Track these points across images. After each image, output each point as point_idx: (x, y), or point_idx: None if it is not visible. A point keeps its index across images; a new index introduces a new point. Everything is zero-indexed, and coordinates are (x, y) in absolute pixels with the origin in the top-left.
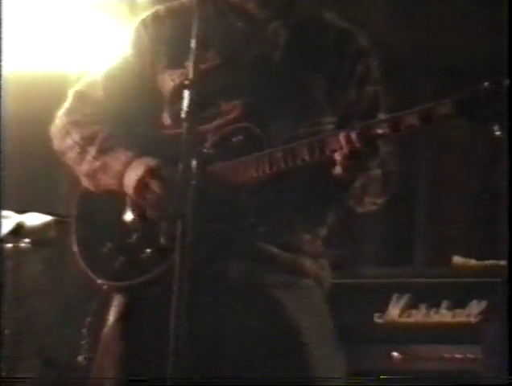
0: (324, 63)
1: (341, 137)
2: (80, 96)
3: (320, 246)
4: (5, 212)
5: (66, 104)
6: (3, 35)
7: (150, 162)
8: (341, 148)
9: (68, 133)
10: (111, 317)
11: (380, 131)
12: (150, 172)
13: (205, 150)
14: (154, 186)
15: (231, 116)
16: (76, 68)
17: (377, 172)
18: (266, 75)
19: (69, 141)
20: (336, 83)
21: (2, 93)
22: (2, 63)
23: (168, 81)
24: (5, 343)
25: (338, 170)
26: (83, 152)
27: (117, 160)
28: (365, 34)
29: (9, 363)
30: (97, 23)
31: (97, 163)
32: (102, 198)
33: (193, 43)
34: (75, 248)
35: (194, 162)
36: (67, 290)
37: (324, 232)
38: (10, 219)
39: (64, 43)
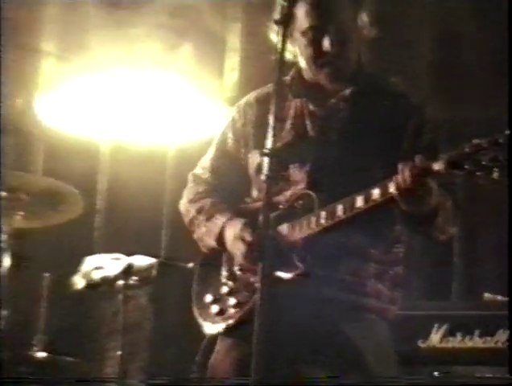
0: (380, 127)
1: (399, 177)
2: (195, 178)
3: (387, 286)
4: (118, 255)
5: (188, 185)
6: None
7: (242, 221)
8: (399, 187)
9: (187, 210)
10: (216, 350)
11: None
12: (244, 228)
13: (280, 206)
14: (247, 238)
15: (299, 186)
16: (171, 142)
17: (450, 202)
18: (327, 147)
19: (190, 216)
20: (390, 142)
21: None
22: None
23: (254, 159)
24: (118, 362)
25: (402, 205)
26: (199, 223)
27: (215, 225)
28: (418, 94)
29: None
30: (190, 99)
31: (204, 229)
32: (212, 257)
33: (271, 121)
34: (193, 300)
35: (271, 215)
36: (167, 322)
37: (391, 272)
38: (122, 261)
39: (160, 119)
